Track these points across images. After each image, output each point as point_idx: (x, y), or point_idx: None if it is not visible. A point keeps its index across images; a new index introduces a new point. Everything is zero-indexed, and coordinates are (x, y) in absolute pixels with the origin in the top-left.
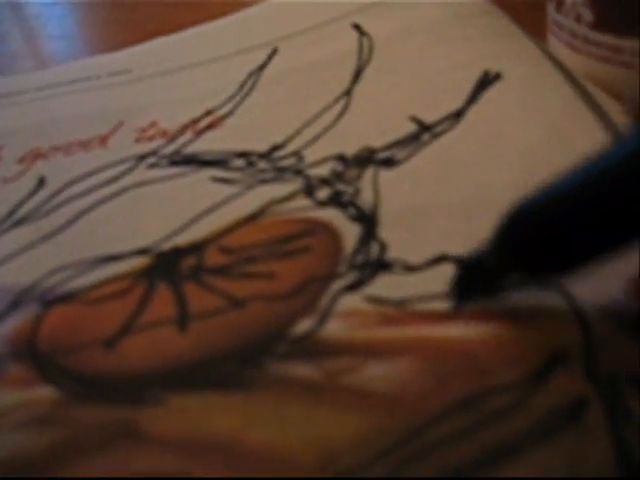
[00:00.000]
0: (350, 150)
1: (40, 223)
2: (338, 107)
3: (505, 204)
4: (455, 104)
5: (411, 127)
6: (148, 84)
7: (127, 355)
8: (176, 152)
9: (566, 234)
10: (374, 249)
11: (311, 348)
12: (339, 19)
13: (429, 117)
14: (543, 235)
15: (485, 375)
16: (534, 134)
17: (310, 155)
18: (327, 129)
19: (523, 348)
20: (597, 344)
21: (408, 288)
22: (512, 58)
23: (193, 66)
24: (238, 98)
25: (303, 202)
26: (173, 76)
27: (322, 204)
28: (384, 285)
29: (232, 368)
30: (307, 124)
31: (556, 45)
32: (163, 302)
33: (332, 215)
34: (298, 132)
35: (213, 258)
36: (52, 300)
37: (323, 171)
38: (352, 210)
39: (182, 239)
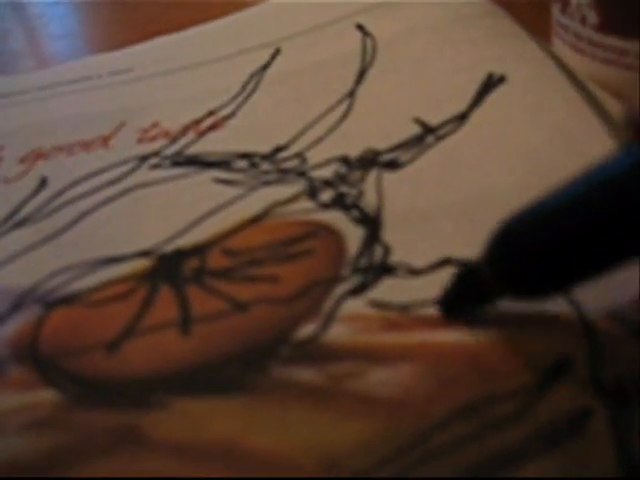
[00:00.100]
0: (354, 152)
1: (42, 224)
2: (341, 108)
3: (509, 206)
4: (459, 106)
5: (415, 129)
6: (150, 84)
7: (129, 358)
8: (178, 153)
9: (557, 252)
10: (378, 252)
11: (314, 352)
12: (342, 20)
13: (433, 119)
14: (532, 254)
15: (489, 381)
16: (538, 137)
17: (313, 157)
18: (330, 130)
19: (528, 354)
20: (602, 351)
21: (412, 292)
22: (516, 60)
23: (195, 66)
24: (241, 99)
25: (306, 204)
26: (175, 76)
27: (325, 206)
28: (388, 289)
29: (235, 372)
30: (310, 125)
31: (560, 47)
32: (166, 305)
33: (335, 217)
34: (301, 133)
35: (216, 261)
36: (54, 302)
37: (326, 173)
38: (355, 212)
39: (185, 241)
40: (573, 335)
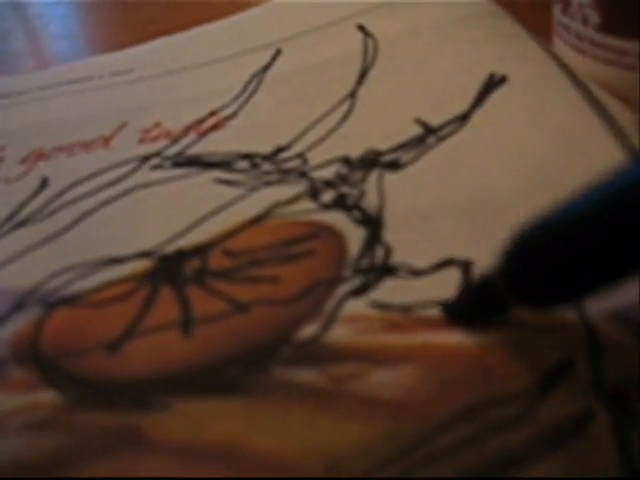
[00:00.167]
0: (355, 152)
1: (43, 224)
2: (343, 109)
3: (510, 207)
4: (460, 107)
5: (416, 129)
6: (151, 84)
7: (130, 359)
8: (180, 153)
9: (572, 264)
10: (379, 253)
11: (316, 353)
12: (343, 20)
13: (434, 120)
14: (548, 266)
15: (491, 383)
16: (540, 137)
17: (315, 157)
18: (332, 131)
19: (529, 356)
20: (604, 353)
21: (413, 293)
22: (517, 60)
23: (196, 66)
24: (242, 99)
25: (308, 205)
26: (176, 76)
27: (327, 207)
28: (389, 290)
29: (236, 373)
30: (312, 126)
31: (562, 47)
32: (167, 306)
33: (337, 218)
34: (303, 134)
35: (217, 261)
36: (55, 303)
37: (328, 173)
38: (357, 213)
39: (186, 242)
40: (575, 337)
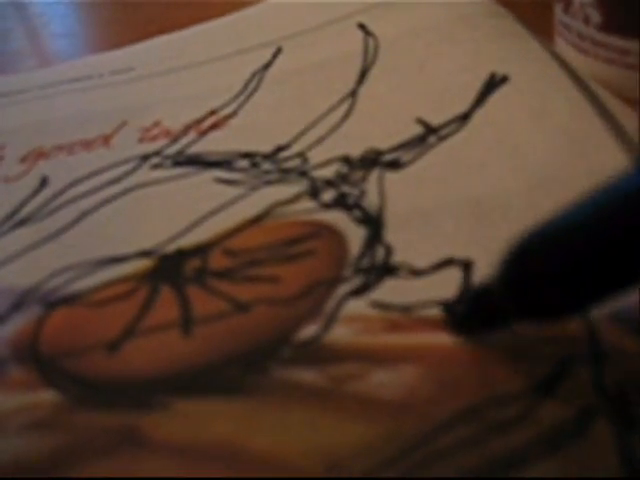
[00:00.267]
0: (355, 152)
1: (42, 224)
2: (343, 108)
3: (511, 207)
4: (461, 106)
5: (417, 129)
6: (151, 83)
7: (130, 359)
8: (180, 152)
9: (575, 274)
10: (380, 253)
11: (316, 354)
12: (344, 19)
13: (435, 119)
14: (550, 276)
15: (491, 384)
16: (541, 137)
17: (315, 156)
18: (332, 130)
19: (530, 357)
20: (605, 354)
21: (414, 293)
22: (519, 60)
23: (196, 65)
24: (242, 98)
25: (308, 204)
26: (176, 75)
27: (327, 206)
28: (390, 290)
29: (236, 373)
30: (312, 125)
31: (563, 46)
32: (167, 305)
33: (337, 217)
34: (303, 133)
35: (217, 261)
36: (54, 302)
37: (328, 173)
38: (357, 212)
39: (186, 241)
40: (575, 338)
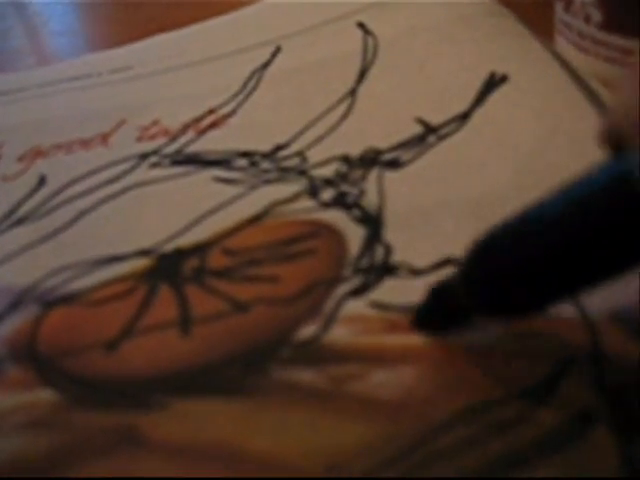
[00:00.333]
0: (354, 151)
1: (40, 223)
2: (342, 107)
3: (510, 206)
4: (461, 106)
5: (416, 128)
6: (149, 81)
7: (128, 358)
8: (178, 151)
9: (534, 271)
10: (379, 252)
11: (315, 354)
12: (343, 18)
13: (435, 118)
14: (508, 273)
15: (491, 384)
16: (540, 136)
17: (314, 155)
18: (331, 129)
19: (530, 357)
20: (606, 353)
21: (413, 293)
22: (519, 59)
23: (195, 64)
24: (241, 97)
25: (307, 203)
26: (175, 74)
27: (326, 205)
28: (389, 290)
29: (235, 373)
30: (311, 124)
31: (564, 45)
32: (165, 305)
33: (336, 217)
34: (302, 132)
35: (216, 260)
36: (52, 301)
37: (327, 172)
38: (357, 212)
39: (184, 240)
40: (576, 337)
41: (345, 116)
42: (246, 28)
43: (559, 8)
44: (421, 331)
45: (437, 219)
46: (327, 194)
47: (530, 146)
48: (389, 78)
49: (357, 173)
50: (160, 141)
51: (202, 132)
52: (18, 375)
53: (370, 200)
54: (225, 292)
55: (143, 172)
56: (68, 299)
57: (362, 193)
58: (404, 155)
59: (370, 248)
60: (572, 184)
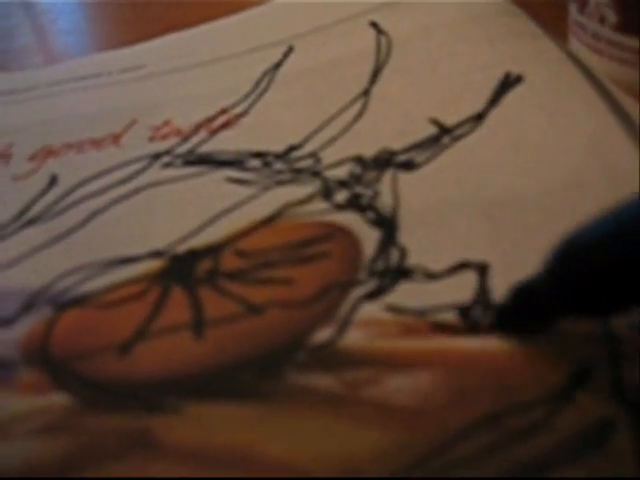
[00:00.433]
0: (368, 152)
1: (52, 223)
2: (356, 107)
3: (527, 208)
4: (476, 106)
5: (431, 129)
6: (161, 81)
7: (142, 361)
8: (190, 151)
9: (623, 273)
10: (394, 255)
11: (330, 358)
12: (356, 17)
13: (449, 119)
14: (599, 274)
15: (509, 390)
16: (556, 137)
17: (327, 156)
18: (345, 130)
19: (549, 364)
20: (624, 360)
21: (429, 297)
22: (533, 60)
23: (207, 63)
24: (254, 97)
25: (321, 205)
26: (187, 73)
27: (340, 207)
28: (404, 293)
29: (249, 377)
30: (324, 124)
31: (578, 46)
32: (178, 307)
33: (351, 219)
34: (315, 132)
35: (229, 262)
36: (65, 303)
37: (341, 173)
38: (371, 214)
39: (198, 241)
40: (594, 344)
41: (359, 117)
42: (257, 28)
43: (573, 9)
44: (503, 332)
45: (452, 221)
46: (341, 196)
47: (545, 147)
48: (403, 78)
49: (371, 174)
50: (172, 141)
51: (214, 132)
52: (31, 379)
53: (384, 202)
54: (239, 294)
55: (155, 172)
56: (81, 301)
57: (376, 195)
58: (418, 156)
59: (385, 251)
60: None
